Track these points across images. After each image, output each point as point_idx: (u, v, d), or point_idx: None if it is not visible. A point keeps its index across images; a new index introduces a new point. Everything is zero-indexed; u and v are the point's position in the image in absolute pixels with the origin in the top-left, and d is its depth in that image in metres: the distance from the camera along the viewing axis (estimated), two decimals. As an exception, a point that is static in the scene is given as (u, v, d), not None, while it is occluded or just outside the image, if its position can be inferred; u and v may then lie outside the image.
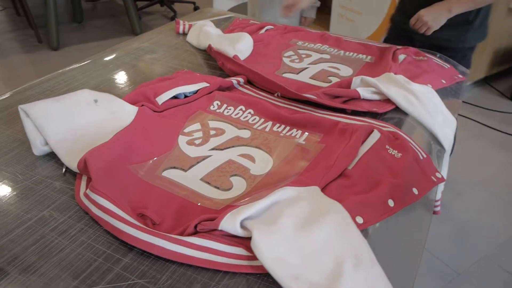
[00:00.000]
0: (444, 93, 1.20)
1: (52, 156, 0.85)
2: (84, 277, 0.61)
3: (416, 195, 0.82)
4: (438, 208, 1.27)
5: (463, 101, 2.74)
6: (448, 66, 1.35)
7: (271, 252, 0.61)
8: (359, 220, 0.72)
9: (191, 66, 1.26)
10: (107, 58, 1.28)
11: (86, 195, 0.73)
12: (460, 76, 1.34)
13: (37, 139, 0.84)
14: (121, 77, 1.17)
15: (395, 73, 1.21)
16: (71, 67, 1.21)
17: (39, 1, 3.15)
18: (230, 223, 0.64)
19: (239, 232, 0.64)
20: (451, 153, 1.17)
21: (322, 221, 0.68)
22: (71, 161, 0.80)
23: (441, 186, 1.21)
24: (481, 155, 2.28)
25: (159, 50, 1.36)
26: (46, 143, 0.84)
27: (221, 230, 0.65)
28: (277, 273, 0.59)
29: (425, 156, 0.94)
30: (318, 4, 1.91)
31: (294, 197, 0.72)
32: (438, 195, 1.22)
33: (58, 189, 0.78)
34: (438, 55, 1.43)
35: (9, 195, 0.76)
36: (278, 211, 0.69)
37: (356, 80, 1.11)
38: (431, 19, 1.31)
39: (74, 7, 3.83)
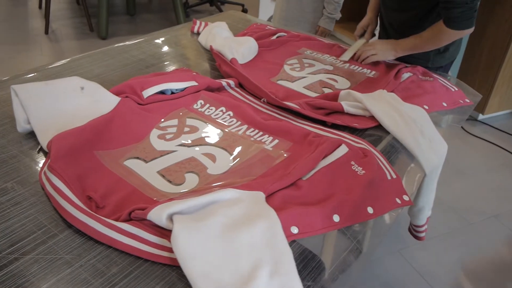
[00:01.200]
0: (444, 116, 1.18)
1: (34, 135, 0.92)
2: (19, 245, 0.67)
3: (370, 214, 0.81)
4: (422, 234, 1.23)
5: (497, 129, 2.61)
6: (456, 89, 1.31)
7: (187, 247, 0.64)
8: (294, 230, 0.72)
9: (194, 65, 1.30)
10: (117, 51, 1.36)
11: (44, 173, 0.79)
12: (467, 100, 1.29)
13: (21, 118, 0.91)
14: (121, 70, 1.24)
15: (391, 91, 1.20)
16: (81, 55, 1.29)
17: (97, -8, 3.35)
18: (157, 215, 0.67)
19: (164, 224, 0.67)
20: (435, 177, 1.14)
21: (252, 225, 0.69)
22: (45, 141, 0.87)
23: (426, 212, 1.18)
24: (507, 186, 2.16)
25: (167, 47, 1.41)
26: (29, 122, 0.92)
27: (150, 220, 0.68)
28: (187, 268, 0.62)
29: (394, 177, 0.92)
30: (338, 16, 1.90)
31: (234, 199, 0.74)
32: (422, 221, 1.19)
33: (27, 164, 0.84)
34: (448, 77, 1.38)
35: (-16, 164, 0.83)
36: (212, 210, 0.71)
37: (343, 94, 1.11)
38: (381, 49, 1.36)
39: (128, 0, 4.03)
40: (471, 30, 1.25)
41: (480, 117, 2.68)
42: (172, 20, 3.98)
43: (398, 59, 1.39)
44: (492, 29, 2.44)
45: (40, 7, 4.13)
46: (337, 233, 0.78)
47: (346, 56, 1.42)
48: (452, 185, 2.15)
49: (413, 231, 1.24)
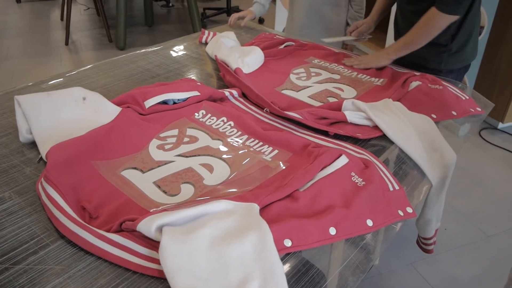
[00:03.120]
0: (461, 125, 1.15)
1: (35, 145, 0.93)
2: (10, 255, 0.67)
3: (369, 227, 0.79)
4: (431, 247, 1.19)
5: (519, 138, 2.52)
6: (467, 97, 1.27)
7: (174, 260, 0.63)
8: (287, 243, 0.71)
9: (200, 75, 1.30)
10: (123, 61, 1.37)
11: (41, 183, 0.79)
12: (479, 109, 1.25)
13: (24, 128, 0.93)
14: (127, 80, 1.25)
15: (398, 100, 1.17)
16: (88, 66, 1.31)
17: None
18: (146, 226, 0.67)
19: (153, 235, 0.66)
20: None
21: (243, 237, 0.68)
22: (45, 151, 0.88)
23: (434, 224, 1.14)
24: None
25: (174, 57, 1.42)
26: (31, 132, 0.93)
27: (139, 231, 0.68)
28: (173, 281, 0.61)
29: (397, 188, 0.90)
30: (367, 38, 1.86)
31: (226, 211, 0.73)
32: (430, 233, 1.15)
33: (26, 174, 0.85)
34: (459, 85, 1.35)
35: (-15, 174, 0.85)
36: (203, 222, 0.70)
37: (347, 103, 1.09)
38: (374, 56, 1.38)
39: (146, 11, 4.10)
40: (458, 16, 1.26)
41: (500, 125, 2.60)
42: (189, 31, 4.03)
43: (409, 66, 1.36)
44: (511, 34, 2.38)
45: (62, 19, 4.25)
46: (345, 244, 0.76)
47: (328, 40, 1.48)
48: (470, 196, 2.08)
49: (421, 243, 1.20)
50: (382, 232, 0.85)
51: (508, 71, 2.45)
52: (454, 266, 1.70)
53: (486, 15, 2.28)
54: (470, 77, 2.56)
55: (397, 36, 1.52)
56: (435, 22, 1.26)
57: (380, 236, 0.90)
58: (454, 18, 1.25)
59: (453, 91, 1.27)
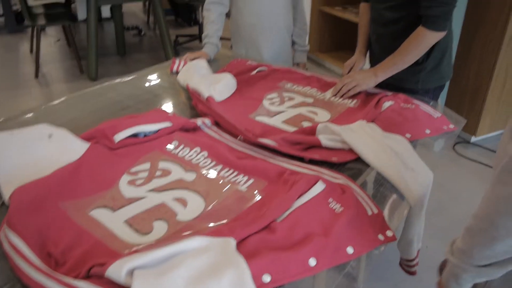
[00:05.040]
0: (435, 141, 1.15)
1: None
2: (-31, 312, 0.62)
3: (350, 255, 0.77)
4: (414, 269, 1.18)
5: (490, 150, 2.57)
6: (439, 115, 1.28)
7: (146, 306, 0.59)
8: (266, 278, 0.68)
9: (172, 105, 1.28)
10: (93, 94, 1.34)
11: (3, 230, 0.75)
12: (451, 126, 1.26)
13: (-14, 170, 0.88)
14: (96, 113, 1.22)
15: (372, 121, 1.17)
16: (56, 101, 1.28)
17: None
18: (116, 271, 0.63)
19: (123, 281, 0.63)
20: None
21: (219, 276, 0.65)
22: (8, 194, 0.83)
23: (415, 245, 1.13)
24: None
25: (145, 87, 1.40)
26: (-5, 175, 0.88)
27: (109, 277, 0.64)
28: (146, 329, 0.57)
29: (376, 211, 0.88)
30: (307, 48, 1.90)
31: (203, 248, 0.70)
32: (412, 254, 1.14)
33: (-12, 220, 0.80)
34: (431, 103, 1.36)
35: None
36: (176, 262, 0.66)
37: (320, 127, 1.08)
38: (361, 78, 1.35)
39: (117, 41, 4.08)
40: (445, 33, 1.28)
41: (473, 139, 2.65)
42: (162, 59, 4.02)
43: (386, 87, 1.37)
44: (477, 50, 2.45)
45: (31, 51, 4.18)
46: (327, 272, 0.73)
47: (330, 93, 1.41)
48: (448, 211, 2.10)
49: (404, 265, 1.19)
50: (364, 258, 0.83)
51: (476, 86, 2.51)
52: (438, 284, 1.69)
53: (453, 32, 2.34)
54: (441, 94, 2.61)
55: (373, 60, 1.52)
56: (425, 40, 1.28)
57: (363, 261, 0.88)
58: (443, 34, 1.28)
59: (425, 110, 1.29)
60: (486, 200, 0.65)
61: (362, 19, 1.57)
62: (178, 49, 4.27)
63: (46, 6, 3.96)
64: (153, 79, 1.48)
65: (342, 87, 1.36)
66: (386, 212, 0.90)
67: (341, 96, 1.36)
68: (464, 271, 0.70)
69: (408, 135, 1.14)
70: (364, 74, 1.36)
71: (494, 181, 0.63)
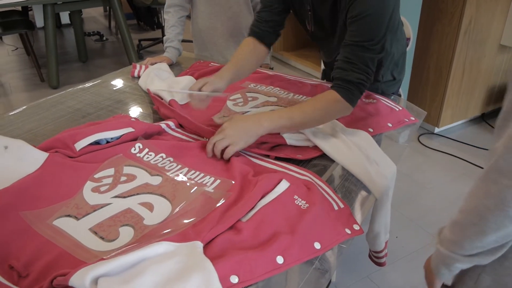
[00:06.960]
0: (400, 133, 1.18)
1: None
2: None
3: (317, 250, 0.78)
4: (383, 260, 1.20)
5: (454, 139, 2.66)
6: (400, 108, 1.31)
7: (113, 315, 0.58)
8: (234, 279, 0.68)
9: (134, 110, 1.26)
10: (52, 102, 1.30)
11: (-40, 246, 0.72)
12: (412, 118, 1.30)
13: None
14: (55, 122, 1.18)
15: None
16: (12, 112, 1.24)
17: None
18: (79, 280, 0.61)
19: (87, 290, 0.61)
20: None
21: (185, 281, 0.64)
22: (-35, 209, 0.80)
23: (383, 237, 1.15)
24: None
25: (106, 94, 1.37)
26: (-51, 190, 0.85)
27: (72, 287, 0.62)
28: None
29: (342, 206, 0.89)
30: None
31: (168, 253, 0.69)
32: (380, 246, 1.16)
33: None
34: (392, 97, 1.39)
35: None
36: (142, 268, 0.66)
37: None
38: (234, 134, 0.98)
39: (78, 47, 3.99)
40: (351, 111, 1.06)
41: (436, 130, 2.73)
42: (126, 63, 3.95)
43: None
44: (435, 45, 2.52)
45: (-12, 61, 4.03)
46: (301, 266, 0.74)
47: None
48: (416, 201, 2.15)
49: (373, 257, 1.21)
50: (335, 251, 0.84)
51: (436, 79, 2.59)
52: (409, 273, 1.73)
53: (410, 27, 2.41)
54: (403, 89, 2.68)
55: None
56: (336, 109, 1.04)
57: (333, 255, 0.89)
58: (349, 111, 1.07)
59: (387, 104, 1.32)
60: (474, 196, 0.67)
61: (241, 52, 1.25)
62: (142, 53, 4.21)
63: (2, 14, 3.82)
64: (114, 85, 1.45)
65: (215, 148, 0.99)
66: (352, 206, 0.91)
67: (220, 158, 1.00)
68: (456, 260, 0.73)
69: (370, 130, 1.16)
70: (241, 125, 1.00)
71: (482, 178, 0.65)
